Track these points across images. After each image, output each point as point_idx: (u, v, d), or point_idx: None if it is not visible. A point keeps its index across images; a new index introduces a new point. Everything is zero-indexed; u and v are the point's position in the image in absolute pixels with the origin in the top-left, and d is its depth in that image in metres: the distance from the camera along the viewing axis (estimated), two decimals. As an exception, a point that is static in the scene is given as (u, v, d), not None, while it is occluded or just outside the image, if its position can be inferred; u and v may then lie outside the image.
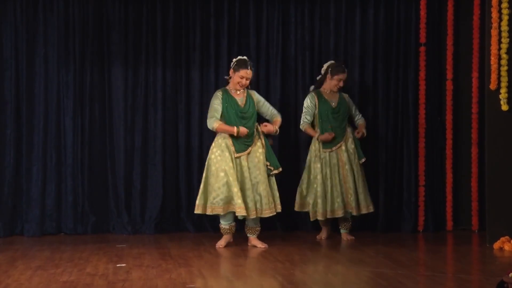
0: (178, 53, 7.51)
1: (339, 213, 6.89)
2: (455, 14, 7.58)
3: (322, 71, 7.10)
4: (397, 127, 7.64)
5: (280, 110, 7.17)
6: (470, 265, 5.96)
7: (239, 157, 6.43)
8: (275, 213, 6.53)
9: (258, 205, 6.39)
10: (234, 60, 6.59)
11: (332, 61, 7.11)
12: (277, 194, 6.58)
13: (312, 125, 7.05)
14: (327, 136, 6.89)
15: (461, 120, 7.64)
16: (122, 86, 7.40)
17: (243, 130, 6.37)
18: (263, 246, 6.43)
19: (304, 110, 7.03)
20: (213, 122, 6.42)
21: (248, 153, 6.47)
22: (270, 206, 6.43)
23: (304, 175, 7.02)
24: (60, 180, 7.28)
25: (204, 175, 6.49)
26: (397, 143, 7.64)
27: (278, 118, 6.68)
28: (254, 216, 6.39)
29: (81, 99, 7.33)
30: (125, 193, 7.35)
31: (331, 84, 7.00)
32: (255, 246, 6.46)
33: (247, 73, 6.47)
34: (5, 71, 7.19)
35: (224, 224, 6.45)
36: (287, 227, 7.44)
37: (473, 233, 7.38)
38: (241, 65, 6.48)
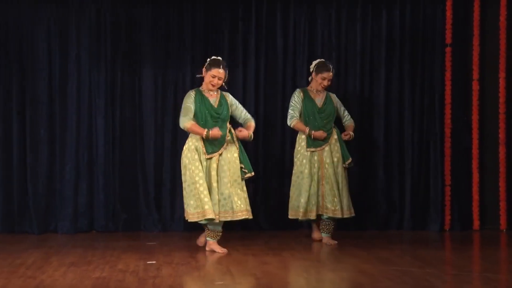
0: (207, 54, 7.48)
1: (312, 215, 6.58)
2: (481, 14, 7.48)
3: (310, 69, 6.81)
4: (423, 126, 7.57)
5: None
6: (498, 265, 5.87)
7: (210, 158, 6.06)
8: (243, 218, 6.09)
9: (221, 208, 6.02)
10: (208, 59, 6.26)
11: (321, 59, 6.82)
12: (247, 199, 6.15)
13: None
14: (321, 133, 6.60)
15: (487, 120, 7.54)
16: (152, 87, 7.41)
17: (215, 132, 5.94)
18: (222, 252, 6.05)
19: (291, 106, 6.70)
20: (186, 121, 6.01)
21: (220, 154, 6.08)
22: (234, 209, 6.01)
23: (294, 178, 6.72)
24: (92, 179, 7.31)
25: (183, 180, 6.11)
26: (423, 142, 7.57)
27: (251, 123, 6.24)
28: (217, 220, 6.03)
29: (112, 100, 7.35)
30: (155, 192, 7.36)
31: (316, 82, 6.72)
32: (213, 251, 6.08)
33: (219, 72, 6.08)
34: (39, 72, 7.24)
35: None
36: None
37: (500, 233, 7.29)
38: (213, 64, 6.12)
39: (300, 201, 6.59)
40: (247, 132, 6.09)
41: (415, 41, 7.58)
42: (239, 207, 6.03)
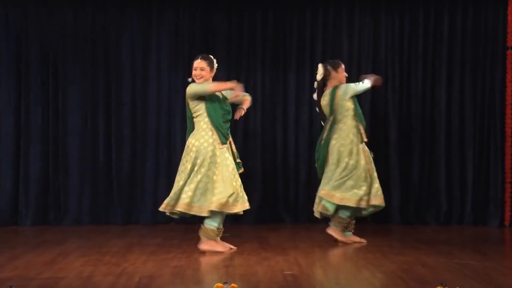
0: (276, 58, 7.55)
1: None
2: (543, 18, 7.30)
3: (319, 76, 6.28)
4: (484, 126, 7.43)
5: (371, 111, 7.15)
6: (556, 259, 5.72)
7: (223, 149, 5.73)
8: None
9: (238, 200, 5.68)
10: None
11: (323, 63, 6.35)
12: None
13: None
14: (377, 78, 6.28)
15: (547, 119, 7.37)
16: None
17: (238, 86, 5.70)
18: (221, 250, 5.71)
19: (353, 84, 6.20)
20: (206, 84, 5.68)
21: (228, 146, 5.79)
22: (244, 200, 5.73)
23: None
24: (170, 175, 7.42)
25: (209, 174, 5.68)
26: (484, 141, 7.43)
27: (247, 97, 5.93)
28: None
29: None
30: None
31: (340, 77, 6.23)
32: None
33: (198, 63, 5.78)
34: (123, 77, 7.42)
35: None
36: (377, 219, 7.36)
37: (559, 228, 7.11)
38: (195, 58, 5.86)
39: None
40: (240, 93, 5.77)
41: (476, 44, 7.44)
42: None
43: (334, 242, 6.16)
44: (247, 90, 7.47)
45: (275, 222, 7.39)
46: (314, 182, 7.49)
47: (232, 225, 7.25)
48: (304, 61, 7.53)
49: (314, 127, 7.50)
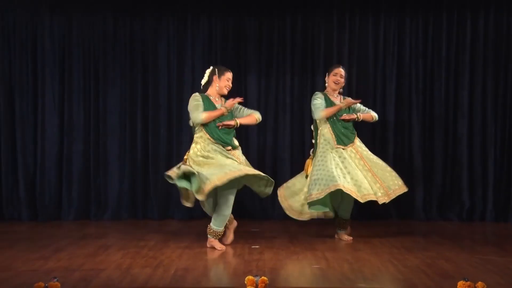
0: (305, 61, 7.54)
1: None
2: None
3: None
4: (505, 126, 7.35)
5: (395, 113, 7.11)
6: None
7: (229, 151, 5.65)
8: None
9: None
10: (209, 69, 5.81)
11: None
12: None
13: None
14: (351, 100, 6.02)
15: None
16: (256, 91, 7.51)
17: (228, 102, 5.62)
18: (221, 248, 5.58)
19: (315, 104, 6.02)
20: (200, 113, 5.55)
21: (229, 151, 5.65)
22: None
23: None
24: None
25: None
26: (505, 141, 7.35)
27: (254, 114, 5.81)
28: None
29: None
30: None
31: (330, 82, 6.12)
32: (213, 248, 5.63)
33: (231, 75, 5.74)
34: (159, 79, 7.47)
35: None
36: (402, 215, 7.32)
37: None
38: (224, 70, 5.73)
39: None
40: (232, 103, 5.66)
41: (498, 47, 7.35)
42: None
43: (360, 238, 6.14)
44: (276, 92, 7.54)
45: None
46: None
47: (262, 221, 7.28)
48: (331, 65, 7.48)
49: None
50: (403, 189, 6.01)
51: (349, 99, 6.11)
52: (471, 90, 7.39)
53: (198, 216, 7.30)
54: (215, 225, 5.64)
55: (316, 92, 6.19)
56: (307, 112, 7.52)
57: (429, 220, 7.16)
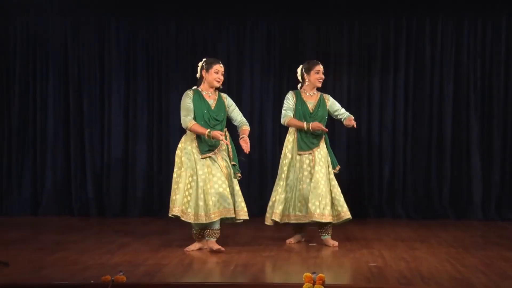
0: (362, 63, 7.48)
1: (302, 219, 5.63)
2: None
3: (299, 77, 5.77)
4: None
5: (453, 112, 6.97)
6: None
7: (204, 158, 5.27)
8: (241, 219, 5.34)
9: (216, 208, 5.26)
10: (199, 63, 5.41)
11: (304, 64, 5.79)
12: (240, 199, 5.34)
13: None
14: (319, 125, 5.52)
15: None
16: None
17: (216, 134, 5.15)
18: (221, 249, 5.28)
19: (284, 106, 5.65)
20: (188, 121, 5.24)
21: (214, 154, 5.31)
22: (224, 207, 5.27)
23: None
24: (262, 174, 7.52)
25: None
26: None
27: (246, 127, 5.41)
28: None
29: (279, 104, 7.49)
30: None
31: (311, 80, 5.65)
32: (212, 250, 5.30)
33: (221, 67, 5.32)
34: (219, 81, 7.56)
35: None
36: (459, 215, 7.17)
37: None
38: (212, 62, 5.33)
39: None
40: (247, 146, 5.28)
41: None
42: (241, 205, 5.34)
43: (417, 237, 6.04)
44: (333, 91, 7.49)
45: (359, 217, 7.30)
46: (397, 179, 7.38)
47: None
48: (388, 66, 7.42)
49: (396, 128, 7.41)
50: (326, 218, 5.49)
51: (320, 125, 5.54)
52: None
53: (255, 215, 7.30)
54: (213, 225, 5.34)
55: (290, 92, 5.74)
56: (364, 111, 7.46)
57: (487, 220, 6.98)
